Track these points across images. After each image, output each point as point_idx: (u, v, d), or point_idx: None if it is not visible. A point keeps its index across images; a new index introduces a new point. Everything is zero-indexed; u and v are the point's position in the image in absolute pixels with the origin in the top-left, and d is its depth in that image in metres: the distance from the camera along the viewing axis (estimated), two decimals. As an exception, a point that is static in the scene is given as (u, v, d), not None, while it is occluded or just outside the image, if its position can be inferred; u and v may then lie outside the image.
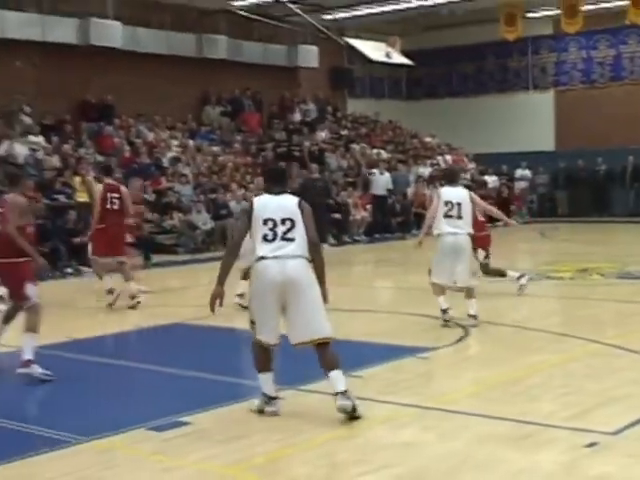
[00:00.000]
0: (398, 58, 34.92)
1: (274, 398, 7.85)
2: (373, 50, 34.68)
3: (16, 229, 9.46)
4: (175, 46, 29.11)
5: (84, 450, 6.99)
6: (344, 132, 32.96)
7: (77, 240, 20.21)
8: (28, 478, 6.61)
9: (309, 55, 33.29)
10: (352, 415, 7.43)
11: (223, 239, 23.89)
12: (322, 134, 31.47)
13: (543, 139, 34.62)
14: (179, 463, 6.67)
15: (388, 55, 34.50)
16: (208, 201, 24.84)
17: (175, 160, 26.01)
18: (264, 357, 7.86)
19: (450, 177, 12.49)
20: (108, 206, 14.12)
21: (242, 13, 30.55)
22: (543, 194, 34.50)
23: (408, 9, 31.72)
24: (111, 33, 26.74)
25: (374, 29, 34.39)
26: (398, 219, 28.26)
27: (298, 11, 30.41)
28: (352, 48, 34.72)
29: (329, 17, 32.15)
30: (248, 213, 7.79)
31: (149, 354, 7.99)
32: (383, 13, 31.85)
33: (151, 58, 28.15)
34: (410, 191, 29.41)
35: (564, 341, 10.74)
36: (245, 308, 11.47)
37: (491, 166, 33.06)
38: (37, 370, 9.32)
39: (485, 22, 32.90)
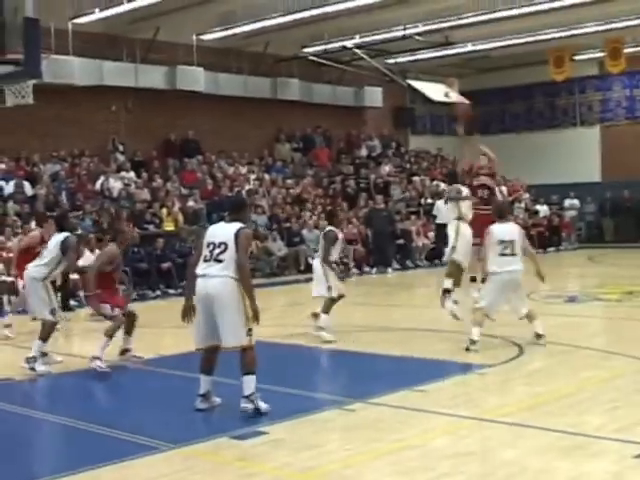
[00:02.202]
0: (456, 98, 34.77)
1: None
2: (433, 91, 34.45)
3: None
4: (252, 89, 29.40)
5: (172, 456, 7.05)
6: (407, 166, 32.96)
7: (165, 265, 20.48)
8: (119, 481, 6.71)
9: (374, 96, 33.44)
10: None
11: (296, 264, 24.04)
12: (386, 168, 31.49)
13: (590, 171, 34.24)
14: (259, 469, 6.71)
15: (447, 95, 34.32)
16: (282, 229, 24.98)
17: (252, 192, 26.20)
18: None
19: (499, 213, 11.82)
20: None
21: (313, 59, 30.76)
22: (591, 222, 34.16)
23: (464, 53, 31.79)
24: (195, 78, 27.23)
25: (433, 71, 34.32)
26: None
27: (364, 56, 30.50)
28: (413, 89, 34.60)
29: (392, 61, 32.24)
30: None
31: (230, 369, 8.07)
32: (442, 57, 31.87)
33: (231, 100, 28.51)
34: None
35: (612, 359, 10.59)
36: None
37: (542, 196, 32.98)
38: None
39: (535, 64, 32.81)
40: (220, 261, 8.13)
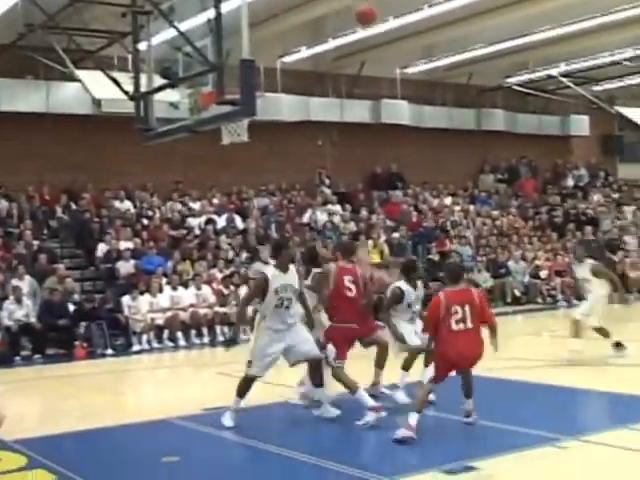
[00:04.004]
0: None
1: None
2: (643, 117, 33.53)
3: None
4: (456, 121, 29.47)
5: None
6: (616, 195, 31.93)
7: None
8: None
9: (581, 124, 32.73)
10: None
11: (502, 296, 23.67)
12: (595, 198, 30.68)
13: None
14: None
15: (659, 121, 33.23)
16: (488, 261, 24.68)
17: (457, 223, 26.10)
18: None
19: None
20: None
21: (517, 88, 30.48)
22: None
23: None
24: (399, 111, 27.55)
25: (642, 97, 33.34)
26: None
27: (570, 84, 29.96)
28: (622, 116, 33.75)
29: (599, 88, 31.44)
30: None
31: (442, 402, 8.02)
32: (652, 82, 30.82)
33: (434, 132, 28.63)
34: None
35: None
36: None
37: None
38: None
39: None
40: None
